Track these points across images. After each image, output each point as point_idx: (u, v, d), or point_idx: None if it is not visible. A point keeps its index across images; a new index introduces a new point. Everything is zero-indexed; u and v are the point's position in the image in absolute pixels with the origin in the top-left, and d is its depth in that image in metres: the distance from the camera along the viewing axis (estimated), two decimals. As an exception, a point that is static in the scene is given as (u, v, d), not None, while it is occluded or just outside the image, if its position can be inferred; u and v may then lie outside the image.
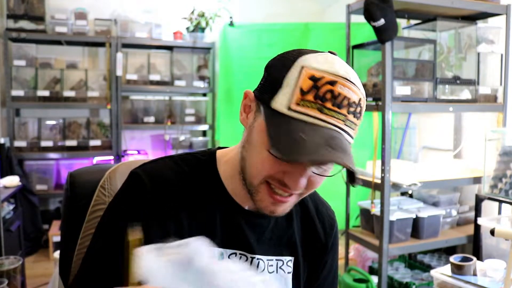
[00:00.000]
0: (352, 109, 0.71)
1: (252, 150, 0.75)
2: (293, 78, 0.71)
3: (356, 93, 0.71)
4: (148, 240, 0.74)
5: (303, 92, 0.69)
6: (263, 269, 0.85)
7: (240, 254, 0.84)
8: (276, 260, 0.88)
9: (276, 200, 0.76)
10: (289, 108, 0.70)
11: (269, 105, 0.72)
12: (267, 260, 0.86)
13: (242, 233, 0.83)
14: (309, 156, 0.66)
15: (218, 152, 0.88)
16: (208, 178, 0.83)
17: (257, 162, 0.74)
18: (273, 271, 0.87)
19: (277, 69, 0.74)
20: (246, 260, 0.84)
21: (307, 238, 0.93)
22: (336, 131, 0.70)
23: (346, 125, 0.71)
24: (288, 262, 0.89)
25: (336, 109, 0.69)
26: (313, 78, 0.69)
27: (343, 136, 0.71)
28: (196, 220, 0.80)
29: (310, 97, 0.69)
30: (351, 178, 0.74)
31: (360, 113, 0.73)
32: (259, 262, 0.85)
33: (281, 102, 0.71)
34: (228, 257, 0.82)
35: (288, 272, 0.89)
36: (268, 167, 0.73)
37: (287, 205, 0.78)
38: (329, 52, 0.76)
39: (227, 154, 0.86)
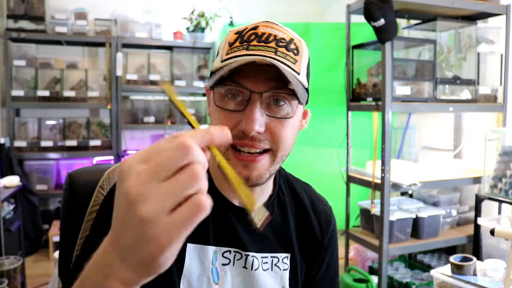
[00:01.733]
0: (282, 44, 0.73)
1: (211, 122, 0.79)
2: (223, 42, 0.77)
3: (285, 32, 0.75)
4: None
5: (230, 44, 0.75)
6: (258, 267, 0.84)
7: (234, 251, 0.82)
8: (271, 257, 0.86)
9: (244, 160, 0.73)
10: (222, 61, 0.75)
11: (212, 73, 0.77)
12: (261, 257, 0.85)
13: (234, 230, 0.82)
14: (234, 67, 0.69)
15: None
16: None
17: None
18: (268, 268, 0.85)
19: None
20: (241, 258, 0.83)
21: (303, 234, 0.91)
22: (263, 59, 0.70)
23: (278, 56, 0.72)
24: (283, 259, 0.87)
25: (262, 44, 0.72)
26: (237, 32, 0.76)
27: (271, 60, 0.71)
28: None
29: (237, 43, 0.74)
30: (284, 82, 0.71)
31: (296, 49, 0.75)
32: (253, 259, 0.83)
33: (216, 61, 0.76)
34: (222, 255, 0.81)
35: (284, 269, 0.87)
36: (222, 124, 0.72)
37: (259, 166, 0.74)
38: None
39: None
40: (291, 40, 0.75)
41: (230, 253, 0.82)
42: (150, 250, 0.41)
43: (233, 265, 0.82)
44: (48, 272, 3.15)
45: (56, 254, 2.48)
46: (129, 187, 0.41)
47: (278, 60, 0.71)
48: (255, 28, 0.74)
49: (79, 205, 0.95)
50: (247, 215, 0.82)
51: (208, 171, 0.82)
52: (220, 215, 0.81)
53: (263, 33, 0.73)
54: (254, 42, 0.73)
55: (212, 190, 0.81)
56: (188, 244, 0.78)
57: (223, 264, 0.81)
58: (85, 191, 0.96)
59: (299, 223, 0.91)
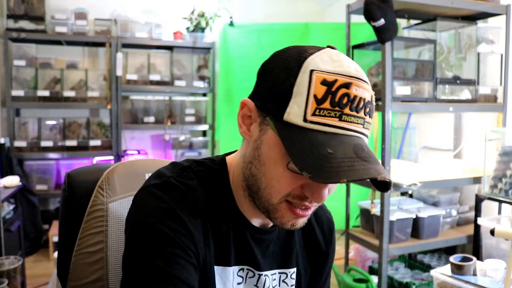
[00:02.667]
0: (367, 110, 0.67)
1: (264, 167, 0.69)
2: (304, 85, 0.64)
3: (369, 90, 0.67)
4: (200, 263, 0.73)
5: (318, 100, 0.63)
6: (269, 286, 0.83)
7: (247, 269, 0.81)
8: (279, 273, 0.85)
9: (298, 215, 0.71)
10: (306, 120, 0.64)
11: (280, 118, 0.66)
12: (271, 274, 0.84)
13: (250, 249, 0.80)
14: (345, 174, 0.60)
15: (227, 159, 0.82)
16: (222, 194, 0.78)
17: (272, 180, 0.69)
18: (276, 285, 0.85)
19: (281, 76, 0.67)
20: (253, 276, 0.82)
21: (307, 246, 0.90)
22: (358, 137, 0.66)
23: (365, 128, 0.67)
24: (292, 274, 0.86)
25: (354, 113, 0.65)
26: (325, 83, 0.64)
27: (363, 141, 0.67)
28: (217, 240, 0.77)
29: (326, 104, 0.63)
30: (385, 187, 0.68)
31: (373, 110, 0.69)
32: (265, 279, 0.82)
33: (295, 113, 0.64)
34: (237, 274, 0.80)
35: (292, 285, 0.87)
36: (286, 184, 0.68)
37: (306, 218, 0.74)
38: (328, 47, 0.72)
39: (232, 163, 0.81)
40: (371, 98, 0.68)
41: (243, 271, 0.81)
42: None
43: (245, 282, 0.81)
44: (48, 272, 3.15)
45: (56, 254, 2.48)
46: None
47: (364, 134, 0.67)
48: (348, 86, 0.64)
49: (78, 205, 0.95)
50: (262, 234, 0.82)
51: (231, 192, 0.79)
52: (240, 236, 0.79)
53: (355, 96, 0.64)
54: (347, 110, 0.64)
55: (234, 211, 0.79)
56: (215, 266, 0.76)
57: (238, 284, 0.80)
58: (84, 191, 0.96)
59: (304, 235, 0.90)
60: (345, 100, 0.64)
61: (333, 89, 0.64)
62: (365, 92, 0.66)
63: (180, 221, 0.70)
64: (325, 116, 0.64)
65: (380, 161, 0.68)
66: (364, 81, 0.67)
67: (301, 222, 0.74)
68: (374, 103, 0.69)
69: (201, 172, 0.78)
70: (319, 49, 0.69)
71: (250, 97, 0.74)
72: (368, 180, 0.65)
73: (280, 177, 0.68)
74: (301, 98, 0.64)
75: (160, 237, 0.69)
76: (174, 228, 0.70)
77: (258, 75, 0.74)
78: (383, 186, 0.68)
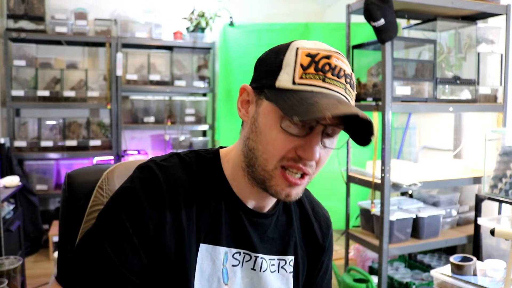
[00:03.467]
0: (348, 80, 0.76)
1: (261, 136, 0.76)
2: (291, 58, 0.75)
3: (347, 64, 0.77)
4: (162, 238, 0.76)
5: (304, 67, 0.73)
6: (266, 269, 0.86)
7: (244, 253, 0.84)
8: (278, 259, 0.88)
9: (291, 182, 0.76)
10: (294, 83, 0.73)
11: (273, 86, 0.75)
12: (269, 259, 0.87)
13: (246, 232, 0.84)
14: (329, 111, 0.67)
15: (221, 151, 0.88)
16: (214, 177, 0.83)
17: (268, 144, 0.75)
18: (275, 271, 0.88)
19: (272, 57, 0.78)
20: (250, 259, 0.84)
21: (306, 238, 0.94)
22: (341, 96, 0.74)
23: (347, 93, 0.76)
24: (290, 261, 0.90)
25: (336, 78, 0.74)
26: (309, 55, 0.74)
27: (347, 99, 0.76)
28: (204, 219, 0.80)
29: (311, 70, 0.73)
30: (366, 135, 0.75)
31: (353, 85, 0.78)
32: (262, 261, 0.85)
33: (285, 79, 0.74)
34: (232, 256, 0.83)
35: (290, 272, 0.90)
36: (281, 145, 0.74)
37: (300, 188, 0.79)
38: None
39: (228, 153, 0.86)
40: (351, 75, 0.77)
41: (240, 255, 0.84)
42: None
43: (242, 266, 0.84)
44: (48, 272, 3.15)
45: (56, 254, 2.48)
46: None
47: (345, 97, 0.76)
48: (329, 57, 0.74)
49: (78, 206, 0.95)
50: (258, 218, 0.85)
51: (223, 175, 0.84)
52: (233, 217, 0.83)
53: (336, 66, 0.74)
54: (329, 74, 0.74)
55: (228, 192, 0.83)
56: (201, 244, 0.80)
57: (233, 265, 0.83)
58: (84, 191, 0.96)
59: (303, 227, 0.94)
60: (327, 67, 0.74)
61: (316, 59, 0.74)
62: (344, 65, 0.76)
63: (140, 200, 0.77)
64: (310, 78, 0.73)
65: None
66: (343, 56, 0.77)
67: (295, 192, 0.78)
68: (354, 81, 0.79)
69: (188, 157, 0.85)
70: (305, 39, 0.81)
71: (250, 83, 0.83)
72: (352, 141, 0.77)
73: (275, 139, 0.74)
74: (289, 68, 0.75)
75: (114, 215, 0.77)
76: (131, 207, 0.76)
77: (255, 67, 0.83)
78: (364, 136, 0.76)
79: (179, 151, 0.88)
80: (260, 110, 0.77)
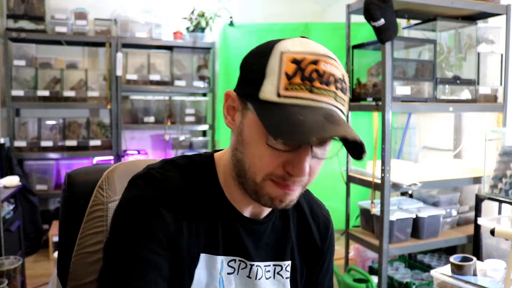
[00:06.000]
0: (339, 85, 0.70)
1: (247, 148, 0.73)
2: (275, 65, 0.69)
3: (339, 68, 0.71)
4: (179, 250, 0.75)
5: (289, 76, 0.68)
6: (261, 276, 0.84)
7: (239, 260, 0.82)
8: (274, 265, 0.86)
9: (284, 189, 0.73)
10: (279, 95, 0.68)
11: (257, 98, 0.70)
12: (265, 266, 0.85)
13: (241, 240, 0.82)
14: (315, 134, 0.63)
15: (215, 155, 0.85)
16: (208, 185, 0.81)
17: (254, 158, 0.72)
18: (270, 277, 0.86)
19: (255, 62, 0.73)
20: (245, 267, 0.83)
21: (303, 241, 0.91)
22: (329, 109, 0.69)
23: (337, 101, 0.70)
24: (287, 267, 0.88)
25: (324, 86, 0.68)
26: (295, 61, 0.69)
27: (336, 112, 0.70)
28: (202, 228, 0.78)
29: (297, 79, 0.68)
30: (359, 151, 0.71)
31: (346, 89, 0.73)
32: (257, 269, 0.83)
33: (269, 90, 0.69)
34: (228, 264, 0.81)
35: (286, 278, 0.87)
36: (268, 161, 0.70)
37: (294, 195, 0.75)
38: (300, 37, 0.76)
39: (221, 157, 0.84)
40: (343, 77, 0.72)
41: (235, 262, 0.82)
42: None
43: (238, 274, 0.82)
44: (48, 272, 3.15)
45: (56, 254, 2.48)
46: None
47: (337, 107, 0.70)
48: (316, 62, 0.69)
49: (78, 206, 0.95)
50: (254, 225, 0.83)
51: (218, 182, 0.82)
52: (229, 226, 0.81)
53: (324, 72, 0.68)
54: (317, 83, 0.68)
55: (222, 200, 0.81)
56: (201, 254, 0.78)
57: (228, 273, 0.81)
58: (84, 191, 0.96)
59: (300, 230, 0.91)
60: (314, 75, 0.68)
61: (302, 65, 0.68)
62: (334, 69, 0.70)
63: (153, 209, 0.74)
64: (296, 90, 0.68)
65: (352, 129, 0.70)
66: (333, 59, 0.71)
67: (289, 198, 0.75)
68: (347, 83, 0.73)
69: (184, 164, 0.82)
70: (290, 38, 0.75)
71: (234, 89, 0.78)
72: (350, 156, 0.71)
73: (262, 155, 0.71)
74: (273, 77, 0.69)
75: (131, 226, 0.73)
76: (145, 216, 0.73)
77: (240, 68, 0.78)
78: (357, 151, 0.71)
79: (172, 156, 0.86)
80: (246, 121, 0.73)
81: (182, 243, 0.76)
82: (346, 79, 0.73)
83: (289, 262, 0.88)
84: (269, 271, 0.86)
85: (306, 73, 0.68)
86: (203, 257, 0.78)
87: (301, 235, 0.91)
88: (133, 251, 0.71)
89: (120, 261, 0.71)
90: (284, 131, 0.65)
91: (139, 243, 0.72)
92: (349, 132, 0.66)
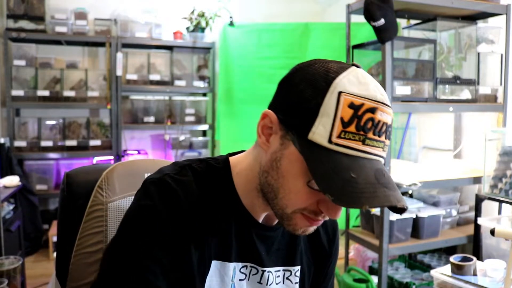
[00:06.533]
0: (388, 133, 0.69)
1: (283, 179, 0.71)
2: (332, 107, 0.65)
3: (390, 114, 0.69)
4: (188, 261, 0.73)
5: (344, 123, 0.65)
6: (272, 282, 0.84)
7: (250, 266, 0.82)
8: (284, 270, 0.86)
9: (312, 224, 0.74)
10: (330, 141, 0.65)
11: (304, 135, 0.67)
12: (275, 271, 0.85)
13: (254, 246, 0.81)
14: (367, 201, 0.63)
15: (231, 160, 0.83)
16: (224, 190, 0.80)
17: (290, 193, 0.71)
18: (280, 282, 0.86)
19: (307, 92, 0.68)
20: (256, 273, 0.82)
21: (312, 245, 0.91)
22: (378, 161, 0.68)
23: (384, 151, 0.69)
24: (296, 272, 0.88)
25: (377, 137, 0.67)
26: (353, 106, 0.65)
27: (383, 166, 0.69)
28: (216, 235, 0.77)
29: (352, 128, 0.65)
30: (401, 211, 0.70)
31: (391, 134, 0.71)
32: (269, 275, 0.83)
33: (321, 133, 0.65)
34: (240, 270, 0.81)
35: (296, 283, 0.87)
36: (304, 199, 0.70)
37: (319, 224, 0.77)
38: (352, 65, 0.72)
39: (239, 163, 0.82)
40: (392, 122, 0.70)
41: (246, 268, 0.81)
42: None
43: (249, 280, 0.82)
44: (48, 272, 3.15)
45: (55, 254, 2.48)
46: None
47: (383, 157, 0.70)
48: (374, 111, 0.66)
49: (77, 205, 0.95)
50: (267, 231, 0.83)
51: (234, 188, 0.80)
52: (243, 232, 0.80)
53: (379, 121, 0.66)
54: (370, 134, 0.66)
55: (238, 207, 0.80)
56: (213, 261, 0.78)
57: (240, 280, 0.81)
58: (83, 191, 0.96)
59: (308, 235, 0.89)
60: (369, 125, 0.66)
61: (359, 113, 0.65)
62: (388, 116, 0.68)
63: (163, 218, 0.72)
64: (349, 139, 0.65)
65: (396, 187, 0.70)
66: (388, 106, 0.69)
67: (312, 229, 0.77)
68: (392, 127, 0.72)
69: (200, 169, 0.80)
70: (345, 68, 0.70)
71: (271, 108, 0.74)
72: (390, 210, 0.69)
73: (299, 192, 0.70)
74: (327, 119, 0.65)
75: (140, 234, 0.71)
76: (156, 226, 0.71)
77: (281, 87, 0.74)
78: (400, 210, 0.69)
79: (186, 161, 0.83)
80: (286, 153, 0.70)
81: (191, 252, 0.74)
82: (393, 121, 0.72)
83: (298, 267, 0.88)
84: (279, 276, 0.86)
85: (362, 122, 0.65)
86: (215, 264, 0.77)
87: (310, 239, 0.91)
88: (132, 262, 0.70)
89: (118, 269, 0.70)
90: (334, 188, 0.63)
91: (140, 255, 0.70)
92: (398, 200, 0.65)
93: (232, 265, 0.79)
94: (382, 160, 0.70)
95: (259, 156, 0.77)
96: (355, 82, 0.67)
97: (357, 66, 0.72)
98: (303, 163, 0.67)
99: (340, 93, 0.66)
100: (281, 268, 0.86)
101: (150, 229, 0.71)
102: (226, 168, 0.81)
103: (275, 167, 0.72)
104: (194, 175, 0.78)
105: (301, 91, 0.69)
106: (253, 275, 0.82)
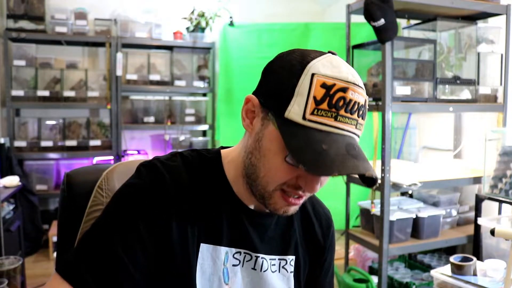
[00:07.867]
0: (361, 112, 0.73)
1: (264, 158, 0.76)
2: (305, 87, 0.71)
3: (363, 95, 0.74)
4: (168, 239, 0.77)
5: (317, 101, 0.70)
6: (266, 268, 0.86)
7: (244, 253, 0.84)
8: (279, 259, 0.89)
9: (291, 203, 0.78)
10: (304, 118, 0.70)
11: (281, 115, 0.72)
12: (270, 259, 0.87)
13: (246, 232, 0.84)
14: (337, 168, 0.68)
15: (222, 151, 0.88)
16: (215, 177, 0.84)
17: (270, 170, 0.75)
18: (276, 270, 0.88)
19: (284, 77, 0.74)
20: (250, 259, 0.85)
21: (306, 238, 0.94)
22: (350, 137, 0.73)
23: (357, 129, 0.74)
24: (291, 261, 0.90)
25: (348, 115, 0.71)
26: (325, 86, 0.70)
27: (355, 140, 0.74)
28: (205, 219, 0.81)
29: (324, 105, 0.70)
30: (371, 182, 0.77)
31: (365, 113, 0.76)
32: (262, 261, 0.86)
33: (295, 111, 0.71)
34: (233, 256, 0.83)
35: (291, 272, 0.90)
36: (283, 174, 0.75)
37: (298, 205, 0.81)
38: (329, 52, 0.77)
39: (229, 154, 0.87)
40: (365, 103, 0.75)
41: (240, 254, 0.84)
42: None
43: (243, 266, 0.85)
44: (48, 272, 3.15)
45: (55, 254, 2.48)
46: None
47: (356, 134, 0.74)
48: (345, 90, 0.70)
49: (77, 206, 0.95)
50: (259, 218, 0.85)
51: (225, 176, 0.84)
52: (234, 218, 0.84)
53: (351, 100, 0.71)
54: (342, 112, 0.70)
55: (229, 193, 0.84)
56: (201, 244, 0.80)
57: (234, 265, 0.83)
58: (83, 191, 0.96)
59: (303, 227, 0.94)
60: (341, 103, 0.70)
61: (331, 92, 0.70)
62: (360, 96, 0.73)
63: (147, 194, 0.78)
64: (322, 116, 0.70)
65: (368, 160, 0.75)
66: (359, 86, 0.74)
67: (293, 209, 0.81)
68: (367, 106, 0.76)
69: (191, 157, 0.85)
70: (321, 54, 0.75)
71: (254, 93, 0.80)
72: (357, 176, 0.76)
73: (278, 168, 0.75)
74: (301, 98, 0.71)
75: (123, 206, 0.78)
76: (139, 198, 0.77)
77: (263, 74, 0.80)
78: (370, 181, 0.77)
79: (180, 150, 0.88)
80: (266, 132, 0.76)
81: (172, 228, 0.77)
82: (367, 102, 0.76)
83: (293, 257, 0.91)
84: (274, 264, 0.88)
85: (333, 100, 0.70)
86: (206, 248, 0.80)
87: (305, 232, 0.94)
88: (112, 238, 0.74)
89: (97, 236, 0.76)
90: (307, 158, 0.68)
91: (118, 233, 0.75)
92: (366, 169, 0.70)
93: (223, 249, 0.82)
94: (356, 138, 0.74)
95: (245, 142, 0.82)
96: (329, 66, 0.72)
97: (333, 54, 0.77)
98: (281, 141, 0.72)
99: (313, 74, 0.71)
100: (276, 257, 0.88)
101: (133, 201, 0.77)
102: (217, 158, 0.87)
103: (257, 147, 0.77)
104: (184, 162, 0.83)
105: (279, 75, 0.75)
106: (247, 261, 0.85)
